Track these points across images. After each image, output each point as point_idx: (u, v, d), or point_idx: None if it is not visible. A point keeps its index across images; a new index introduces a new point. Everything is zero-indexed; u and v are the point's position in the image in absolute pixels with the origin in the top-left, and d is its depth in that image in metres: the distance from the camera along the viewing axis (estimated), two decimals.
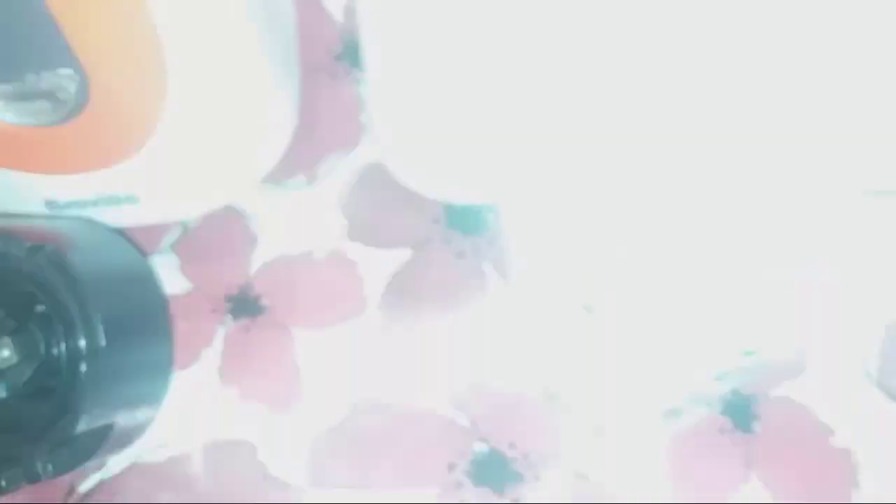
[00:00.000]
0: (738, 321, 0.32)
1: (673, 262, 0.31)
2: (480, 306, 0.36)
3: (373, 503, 0.35)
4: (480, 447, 0.35)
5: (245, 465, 0.35)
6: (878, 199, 0.31)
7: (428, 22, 0.26)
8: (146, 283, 0.35)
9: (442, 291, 0.37)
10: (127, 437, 0.34)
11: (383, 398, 0.36)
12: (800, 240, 0.31)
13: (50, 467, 0.30)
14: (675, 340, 0.32)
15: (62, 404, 0.30)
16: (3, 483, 0.30)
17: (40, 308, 0.31)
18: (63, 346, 0.30)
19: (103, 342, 0.30)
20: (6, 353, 0.31)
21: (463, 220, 0.37)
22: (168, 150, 0.31)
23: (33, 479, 0.30)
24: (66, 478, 0.35)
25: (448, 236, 0.37)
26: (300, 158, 0.37)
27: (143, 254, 0.37)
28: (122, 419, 0.32)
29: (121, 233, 0.35)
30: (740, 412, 0.35)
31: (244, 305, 0.37)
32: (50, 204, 0.33)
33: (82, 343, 0.30)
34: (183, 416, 0.36)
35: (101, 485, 0.35)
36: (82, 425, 0.30)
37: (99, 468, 0.35)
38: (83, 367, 0.29)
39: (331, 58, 0.39)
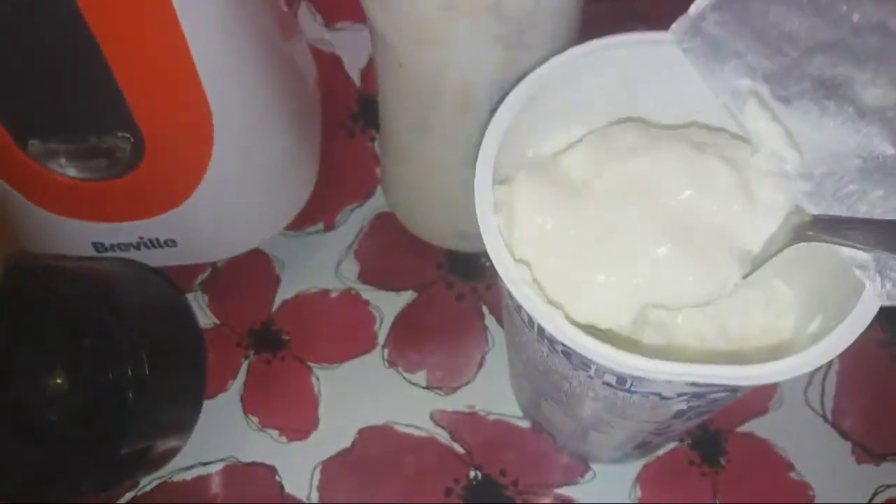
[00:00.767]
0: None
1: None
2: (477, 344, 0.38)
3: None
4: (474, 474, 0.35)
5: (263, 485, 0.35)
6: None
7: None
8: (184, 318, 0.36)
9: (443, 330, 0.38)
10: (162, 459, 0.34)
11: (388, 427, 0.36)
12: None
13: (92, 484, 0.31)
14: None
15: (107, 427, 0.31)
16: (51, 497, 0.31)
17: (89, 340, 0.32)
18: (110, 375, 0.31)
19: (147, 371, 0.31)
20: (58, 380, 0.32)
21: (463, 266, 0.39)
22: (207, 202, 0.32)
23: (77, 494, 0.31)
24: (103, 494, 0.35)
25: (449, 281, 0.39)
26: (319, 208, 0.39)
27: (180, 291, 0.38)
28: (160, 442, 0.33)
29: (159, 272, 0.36)
30: (708, 446, 0.36)
31: (266, 340, 0.38)
32: (97, 245, 0.34)
33: (129, 372, 0.30)
34: (209, 440, 0.36)
35: (133, 501, 0.35)
36: (125, 447, 0.30)
37: (133, 487, 0.35)
38: (130, 395, 0.30)
39: (348, 116, 0.42)
